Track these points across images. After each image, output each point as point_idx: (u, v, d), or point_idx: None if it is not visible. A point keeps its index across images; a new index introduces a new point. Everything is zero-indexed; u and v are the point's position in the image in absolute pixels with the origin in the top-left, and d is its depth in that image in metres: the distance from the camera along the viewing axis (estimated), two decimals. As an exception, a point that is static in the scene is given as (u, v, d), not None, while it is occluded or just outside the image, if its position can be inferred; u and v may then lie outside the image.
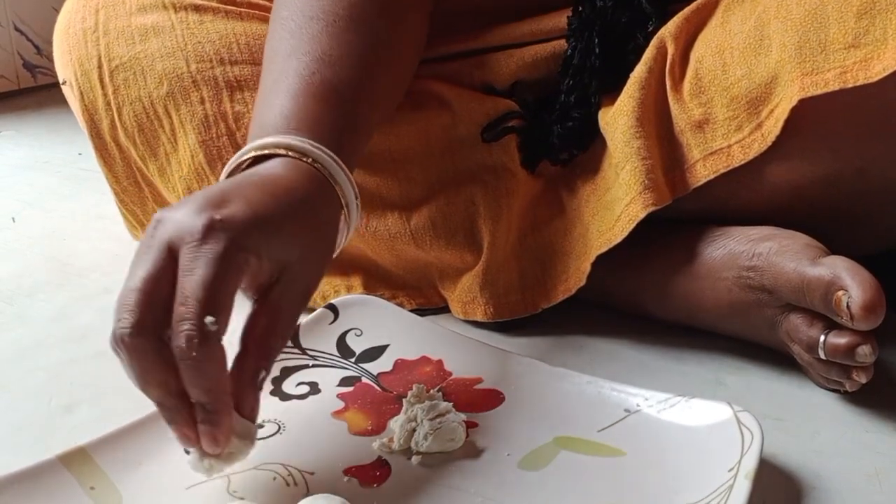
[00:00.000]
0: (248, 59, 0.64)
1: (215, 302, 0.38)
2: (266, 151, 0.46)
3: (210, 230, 0.39)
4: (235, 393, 0.40)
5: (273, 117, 0.48)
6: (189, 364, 0.38)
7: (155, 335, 0.39)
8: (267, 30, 0.64)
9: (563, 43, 0.66)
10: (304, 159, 0.45)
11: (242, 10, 0.65)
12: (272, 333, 0.42)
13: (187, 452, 0.41)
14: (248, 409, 0.41)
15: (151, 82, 0.64)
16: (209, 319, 0.38)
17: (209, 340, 0.38)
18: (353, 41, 0.52)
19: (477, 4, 0.68)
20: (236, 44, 0.64)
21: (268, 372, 0.42)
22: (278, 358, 0.53)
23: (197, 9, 0.65)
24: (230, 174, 0.47)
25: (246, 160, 0.46)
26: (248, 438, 0.41)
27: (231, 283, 0.39)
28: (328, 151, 0.46)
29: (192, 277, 0.38)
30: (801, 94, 0.52)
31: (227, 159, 0.63)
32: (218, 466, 0.41)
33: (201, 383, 0.38)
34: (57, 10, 0.73)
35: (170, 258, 0.39)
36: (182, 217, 0.40)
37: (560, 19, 0.66)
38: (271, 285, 0.42)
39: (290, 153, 0.45)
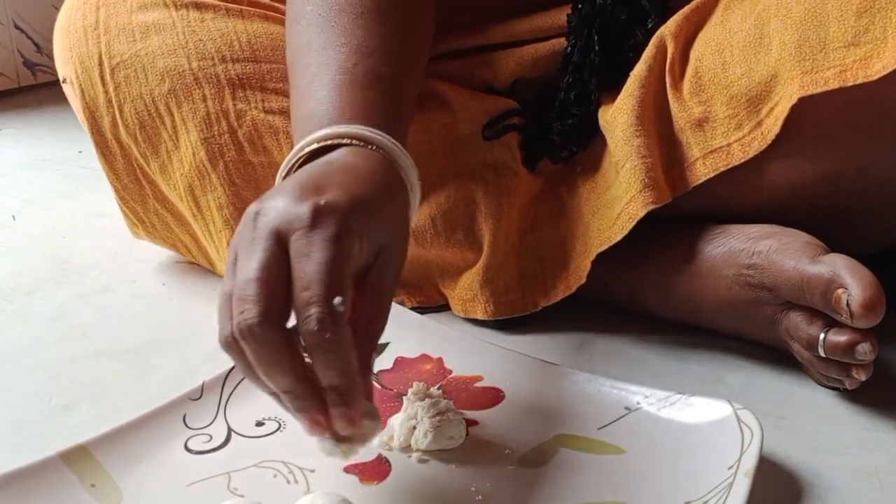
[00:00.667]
0: (250, 56, 0.64)
1: (338, 284, 0.38)
2: (330, 142, 0.46)
3: (318, 214, 0.39)
4: None
5: (323, 108, 0.48)
6: (323, 348, 0.38)
7: (281, 323, 0.38)
8: (268, 28, 0.65)
9: (562, 41, 0.66)
10: (370, 147, 0.46)
11: (244, 7, 0.65)
12: (378, 315, 0.42)
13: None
14: (367, 391, 0.41)
15: (153, 80, 0.64)
16: (337, 300, 0.38)
17: (339, 322, 0.38)
18: (385, 33, 0.52)
19: (478, 0, 0.68)
20: (237, 41, 0.64)
21: (376, 353, 0.43)
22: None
23: (198, 6, 0.65)
24: (296, 165, 0.46)
25: (308, 151, 0.46)
26: (376, 418, 0.41)
27: (347, 264, 0.40)
28: (389, 138, 0.46)
29: (310, 262, 0.38)
30: (801, 93, 0.52)
31: (229, 157, 0.64)
32: (354, 449, 0.41)
33: (335, 365, 0.38)
34: (57, 8, 0.73)
35: (279, 246, 0.39)
36: (284, 205, 0.40)
37: (560, 17, 0.66)
38: (368, 269, 0.42)
39: (354, 142, 0.45)
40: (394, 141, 0.47)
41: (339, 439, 0.41)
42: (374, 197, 0.43)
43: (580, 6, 0.64)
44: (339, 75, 0.49)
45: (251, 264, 0.39)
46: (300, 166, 0.46)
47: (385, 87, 0.50)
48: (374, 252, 0.42)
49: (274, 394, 0.41)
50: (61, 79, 0.69)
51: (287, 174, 0.46)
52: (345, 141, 0.45)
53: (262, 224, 0.40)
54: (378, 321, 0.43)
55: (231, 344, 0.39)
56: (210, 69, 0.63)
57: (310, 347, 0.38)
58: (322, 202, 0.40)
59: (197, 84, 0.63)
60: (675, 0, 0.63)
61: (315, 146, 0.46)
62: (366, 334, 0.42)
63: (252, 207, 0.41)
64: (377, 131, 0.46)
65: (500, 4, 0.68)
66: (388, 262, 0.43)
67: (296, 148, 0.47)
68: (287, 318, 0.39)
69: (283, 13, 0.66)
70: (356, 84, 0.49)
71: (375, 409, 0.42)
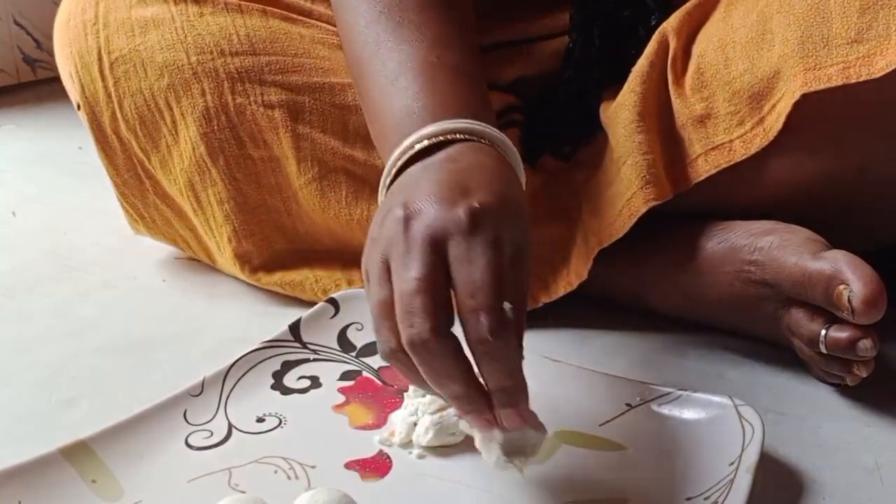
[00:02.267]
0: (248, 50, 0.63)
1: (504, 288, 0.38)
2: (441, 138, 0.44)
3: (475, 218, 0.39)
4: None
5: (420, 104, 0.47)
6: (494, 354, 0.38)
7: (450, 333, 0.38)
8: (267, 22, 0.64)
9: (566, 39, 0.66)
10: (482, 141, 0.45)
11: (242, 2, 0.65)
12: (523, 318, 0.41)
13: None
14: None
15: (152, 74, 0.64)
16: (506, 306, 0.38)
17: (509, 328, 0.38)
18: (453, 24, 0.52)
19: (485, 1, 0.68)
20: (236, 35, 0.64)
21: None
22: (280, 352, 0.54)
23: (196, 1, 0.65)
24: (405, 162, 0.45)
25: (419, 148, 0.45)
26: (541, 427, 0.41)
27: (508, 267, 0.39)
28: (496, 130, 0.46)
29: (474, 268, 0.38)
30: (804, 89, 0.52)
31: (229, 151, 0.64)
32: (527, 461, 0.41)
33: (504, 368, 0.38)
34: (57, 4, 0.73)
35: (437, 253, 0.39)
36: (437, 209, 0.39)
37: (565, 18, 0.66)
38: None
39: (466, 137, 0.44)
40: (501, 133, 0.46)
41: (509, 453, 0.41)
42: (512, 196, 0.42)
43: (583, 2, 0.64)
44: (428, 70, 0.48)
45: (412, 274, 0.38)
46: (409, 164, 0.45)
47: (471, 77, 0.50)
48: (513, 254, 0.41)
49: (438, 395, 0.41)
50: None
51: (399, 171, 0.45)
52: (458, 136, 0.44)
53: (415, 229, 0.39)
54: (523, 324, 0.41)
55: (397, 355, 0.39)
56: (209, 63, 0.63)
57: (479, 354, 0.38)
58: (476, 204, 0.39)
59: (196, 78, 0.63)
60: (679, -1, 0.63)
61: (426, 143, 0.44)
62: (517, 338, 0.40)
63: (396, 210, 0.40)
64: (483, 124, 0.45)
65: (506, 5, 0.68)
66: (526, 261, 0.42)
67: (404, 144, 0.45)
68: (452, 324, 0.39)
69: (282, 7, 0.66)
70: (447, 77, 0.48)
71: (536, 416, 0.41)
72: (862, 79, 0.50)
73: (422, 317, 0.37)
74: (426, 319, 0.37)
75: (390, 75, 0.49)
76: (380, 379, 0.53)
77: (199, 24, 0.64)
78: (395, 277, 0.39)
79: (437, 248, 0.39)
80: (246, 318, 0.65)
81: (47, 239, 0.82)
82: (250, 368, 0.52)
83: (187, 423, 0.48)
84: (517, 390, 0.39)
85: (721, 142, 0.56)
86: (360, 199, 0.64)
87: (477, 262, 0.38)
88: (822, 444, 0.50)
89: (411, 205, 0.40)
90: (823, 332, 0.51)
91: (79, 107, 0.68)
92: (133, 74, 0.64)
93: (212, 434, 0.48)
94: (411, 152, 0.45)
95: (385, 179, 0.46)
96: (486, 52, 0.68)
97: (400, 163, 0.45)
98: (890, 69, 0.49)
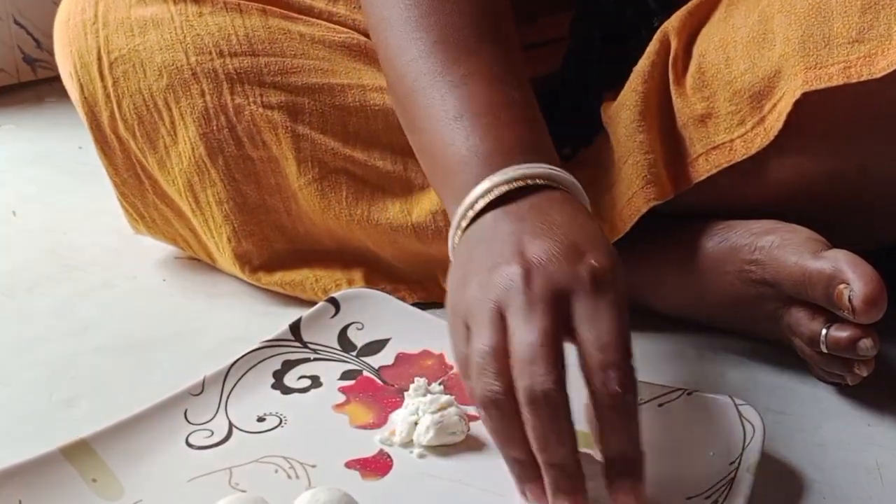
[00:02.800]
0: (248, 50, 0.63)
1: (629, 345, 0.39)
2: (520, 183, 0.44)
3: (597, 278, 0.40)
4: None
5: (489, 146, 0.47)
6: (620, 411, 0.38)
7: (567, 391, 0.38)
8: (266, 22, 0.64)
9: (568, 42, 0.66)
10: (560, 187, 0.45)
11: (241, 2, 0.65)
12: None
13: None
14: None
15: (151, 74, 0.64)
16: (633, 363, 0.38)
17: (636, 385, 0.38)
18: (511, 56, 0.52)
19: None
20: (235, 35, 0.64)
21: None
22: (280, 351, 0.54)
23: (196, 0, 0.65)
24: (493, 201, 0.45)
25: (499, 193, 0.45)
26: None
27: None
28: (569, 174, 0.46)
29: (602, 325, 0.39)
30: (805, 88, 0.52)
31: (228, 152, 0.64)
32: None
33: (628, 429, 0.38)
34: (56, 4, 0.73)
35: (561, 311, 0.39)
36: (559, 268, 0.40)
37: (567, 22, 0.66)
38: None
39: (544, 182, 0.45)
40: (573, 178, 0.46)
41: None
42: (616, 255, 0.42)
43: (585, 3, 0.64)
44: (494, 109, 0.48)
45: (536, 326, 0.38)
46: (487, 207, 0.45)
47: (534, 113, 0.50)
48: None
49: (517, 461, 0.39)
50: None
51: (478, 215, 0.45)
52: (540, 182, 0.45)
53: (539, 286, 0.40)
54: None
55: (501, 403, 0.38)
56: (208, 64, 0.63)
57: (605, 408, 0.38)
58: (596, 264, 0.40)
59: (195, 79, 0.63)
60: (681, 1, 0.63)
61: (505, 188, 0.44)
62: None
63: (510, 263, 0.41)
64: (559, 170, 0.46)
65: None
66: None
67: (481, 187, 0.45)
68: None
69: (282, 6, 0.66)
70: (513, 116, 0.48)
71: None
72: (863, 78, 0.50)
73: (546, 368, 0.37)
74: (550, 371, 0.37)
75: (451, 111, 0.49)
76: (380, 378, 0.53)
77: (198, 25, 0.64)
78: (515, 328, 0.39)
79: (560, 305, 0.39)
80: (246, 318, 0.65)
81: (47, 239, 0.82)
82: (251, 368, 0.52)
83: (188, 422, 0.48)
84: (638, 460, 0.38)
85: (722, 141, 0.56)
86: (360, 199, 0.64)
87: (604, 319, 0.39)
88: (822, 443, 0.50)
89: (528, 259, 0.41)
90: (824, 331, 0.51)
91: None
92: (132, 74, 0.64)
93: (212, 433, 0.48)
94: (491, 196, 0.45)
95: (460, 221, 0.46)
96: None
97: (479, 206, 0.45)
98: (891, 69, 0.49)
